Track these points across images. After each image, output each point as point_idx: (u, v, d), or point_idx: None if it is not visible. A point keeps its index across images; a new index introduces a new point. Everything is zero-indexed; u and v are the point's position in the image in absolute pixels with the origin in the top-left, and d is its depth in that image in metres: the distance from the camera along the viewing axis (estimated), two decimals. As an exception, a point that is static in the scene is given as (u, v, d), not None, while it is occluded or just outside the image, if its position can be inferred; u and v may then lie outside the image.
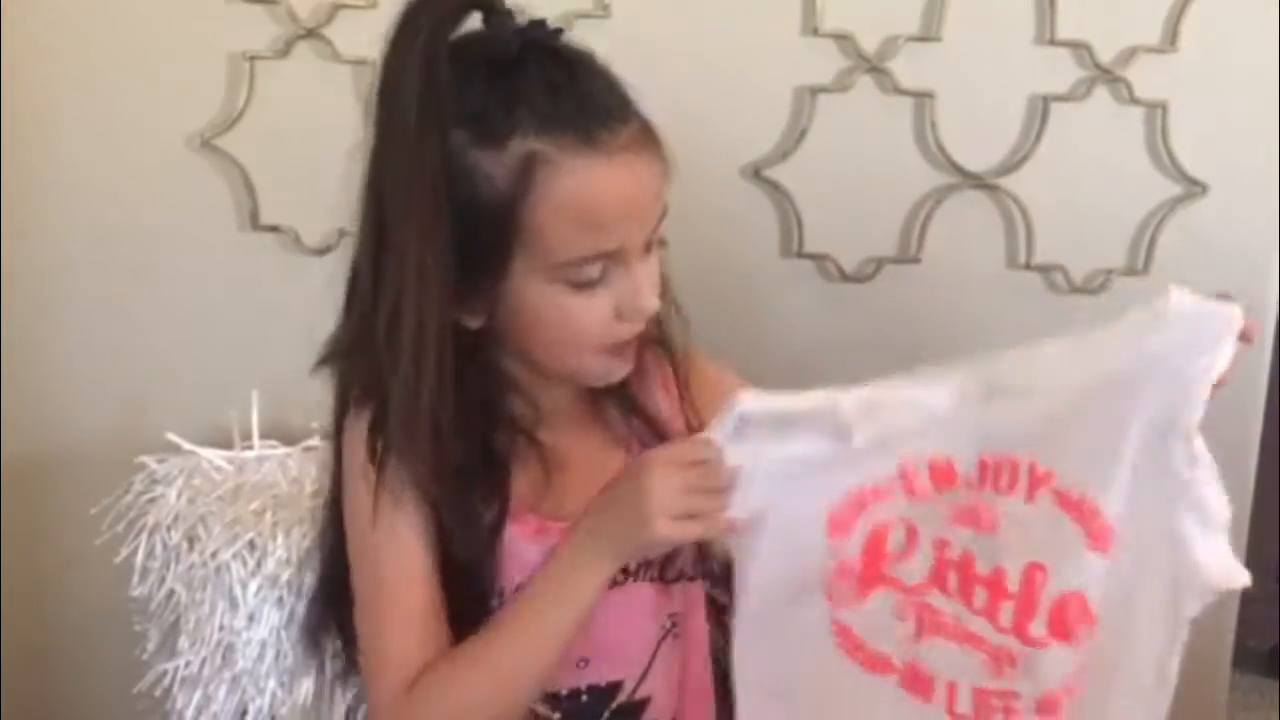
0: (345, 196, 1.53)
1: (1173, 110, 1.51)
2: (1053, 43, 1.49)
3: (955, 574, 0.88)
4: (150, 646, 1.37)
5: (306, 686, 1.29)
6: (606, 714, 0.98)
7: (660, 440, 0.97)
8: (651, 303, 0.89)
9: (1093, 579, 0.85)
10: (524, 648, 0.89)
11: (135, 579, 1.35)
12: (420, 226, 0.84)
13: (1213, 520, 0.87)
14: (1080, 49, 1.49)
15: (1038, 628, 0.86)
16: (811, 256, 1.52)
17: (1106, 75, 1.50)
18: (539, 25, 0.89)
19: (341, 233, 1.46)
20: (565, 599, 0.88)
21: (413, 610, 0.90)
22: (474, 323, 0.89)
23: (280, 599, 1.28)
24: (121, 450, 1.41)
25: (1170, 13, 1.49)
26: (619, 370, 0.93)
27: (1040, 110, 1.50)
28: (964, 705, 0.88)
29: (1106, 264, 1.55)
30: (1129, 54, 1.50)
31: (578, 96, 0.84)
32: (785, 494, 0.88)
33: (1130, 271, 1.56)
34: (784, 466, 0.87)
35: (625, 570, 0.94)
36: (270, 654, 1.29)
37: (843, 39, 1.47)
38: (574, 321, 0.88)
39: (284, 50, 1.41)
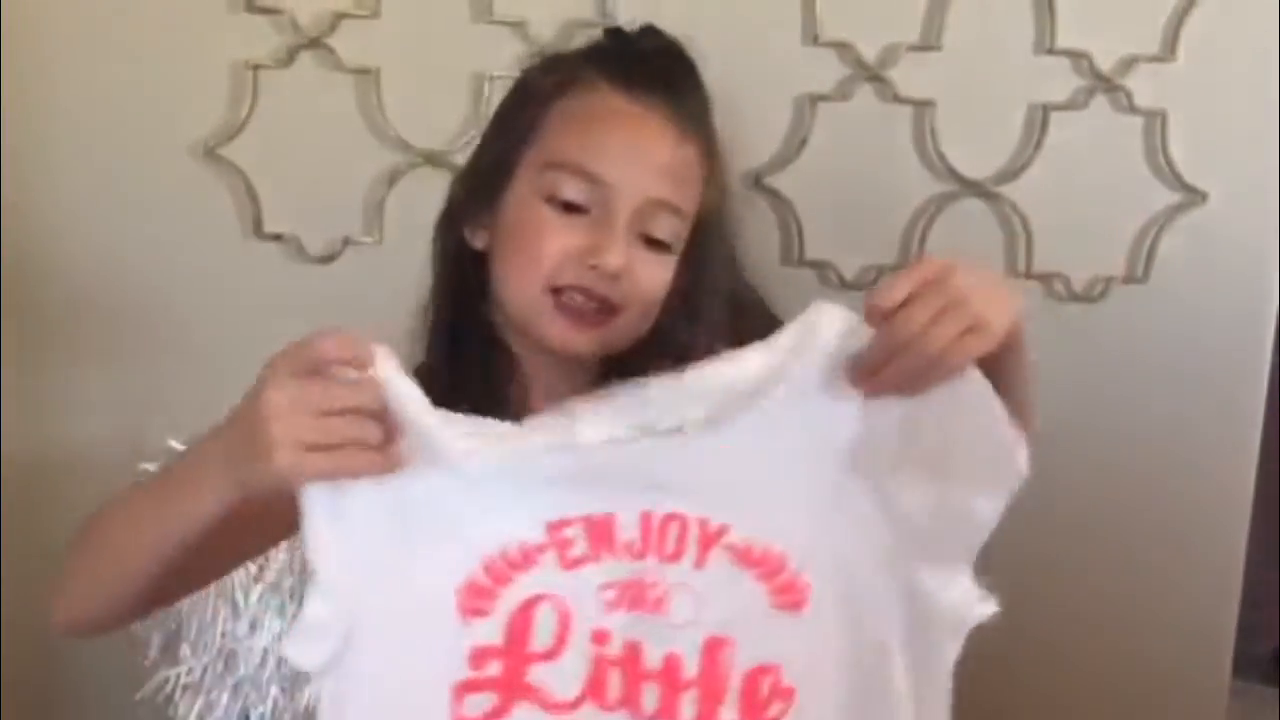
0: (348, 205, 1.55)
1: (1172, 119, 1.51)
2: (1052, 52, 1.49)
3: (618, 674, 0.73)
4: (152, 653, 1.37)
5: (308, 693, 1.29)
6: None
7: None
8: (611, 260, 0.87)
9: (787, 644, 0.73)
10: (136, 529, 0.81)
11: (138, 586, 1.35)
12: (482, 139, 0.98)
13: (944, 556, 0.76)
14: (1080, 58, 1.50)
15: (728, 713, 0.73)
16: (812, 264, 1.53)
17: (1106, 84, 1.50)
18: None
19: (344, 241, 1.47)
20: (179, 504, 0.77)
21: None
22: (479, 241, 0.94)
23: (282, 606, 1.29)
24: (124, 457, 1.41)
25: (1169, 22, 1.49)
26: (574, 338, 0.90)
27: (1040, 119, 1.50)
28: None
29: (1106, 272, 1.56)
30: (1128, 63, 1.50)
31: (643, 59, 0.94)
32: (397, 544, 0.70)
33: (1130, 280, 1.56)
34: (395, 498, 0.69)
35: None
36: (272, 661, 1.29)
37: (843, 48, 1.47)
38: (542, 240, 0.89)
39: (287, 60, 1.42)
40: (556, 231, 0.89)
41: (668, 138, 0.90)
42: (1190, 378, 1.59)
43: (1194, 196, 1.53)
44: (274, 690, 1.30)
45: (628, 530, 0.72)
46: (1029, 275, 1.54)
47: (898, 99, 1.49)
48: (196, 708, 1.31)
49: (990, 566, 1.64)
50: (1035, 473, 1.67)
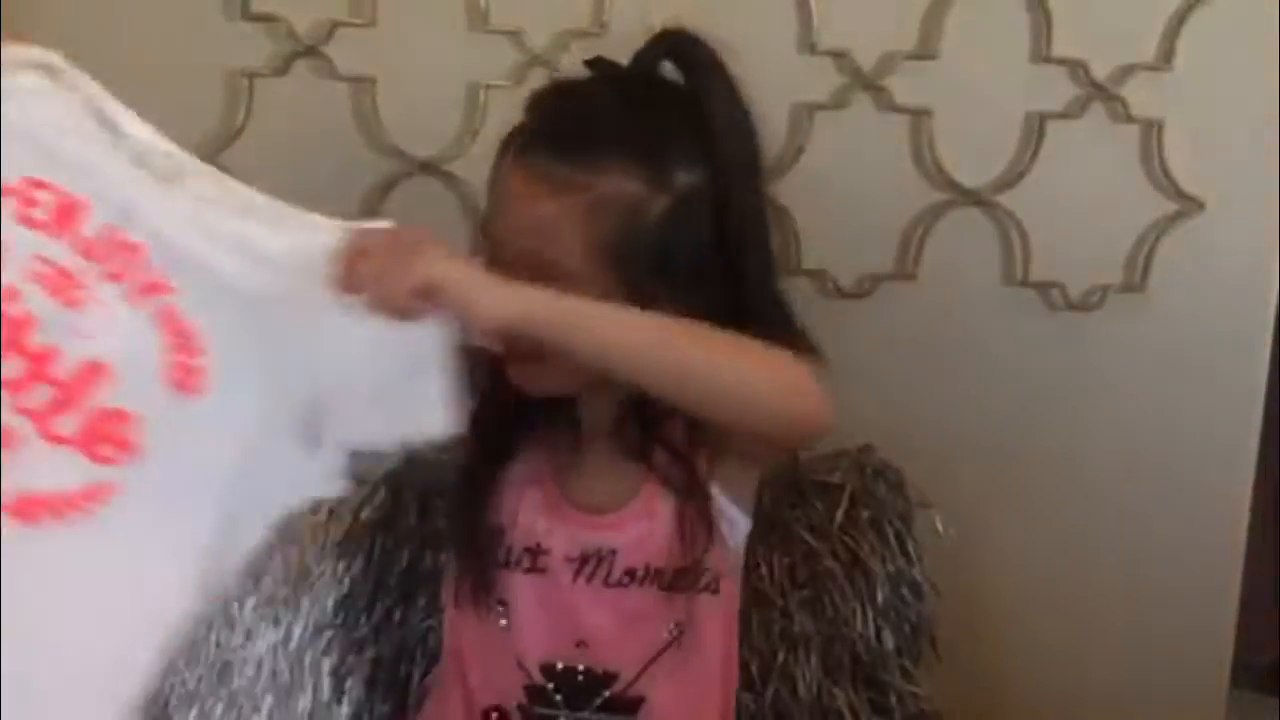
0: (344, 213, 1.53)
1: (1168, 128, 1.51)
2: (1048, 60, 1.49)
3: (4, 330, 0.77)
4: (147, 664, 1.36)
5: (303, 704, 1.28)
6: (598, 700, 1.02)
7: (679, 474, 1.02)
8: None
9: (160, 411, 0.78)
10: None
11: (132, 596, 1.35)
12: None
13: (331, 433, 0.80)
14: (1076, 67, 1.50)
15: (66, 425, 0.77)
16: (808, 273, 1.52)
17: (1102, 93, 1.50)
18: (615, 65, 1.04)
19: (339, 250, 1.47)
20: None
21: None
22: None
23: (276, 617, 1.28)
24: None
25: (1166, 31, 1.49)
26: (515, 377, 0.99)
27: (1036, 127, 1.50)
28: None
29: (1103, 280, 1.56)
30: (1125, 72, 1.50)
31: (547, 117, 1.01)
32: None
33: (1127, 288, 1.56)
34: None
35: (631, 574, 1.01)
36: (267, 672, 1.29)
37: (839, 56, 1.47)
38: None
39: (282, 68, 1.42)
40: None
41: (528, 197, 0.96)
42: (1187, 386, 1.59)
43: (1191, 205, 1.53)
44: (269, 701, 1.29)
45: (93, 227, 0.77)
46: (1026, 283, 1.54)
47: (894, 108, 1.49)
48: (191, 718, 1.31)
49: (987, 575, 1.65)
50: (1033, 481, 1.69)
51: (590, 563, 1.02)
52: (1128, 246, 1.56)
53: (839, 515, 1.33)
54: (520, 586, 1.04)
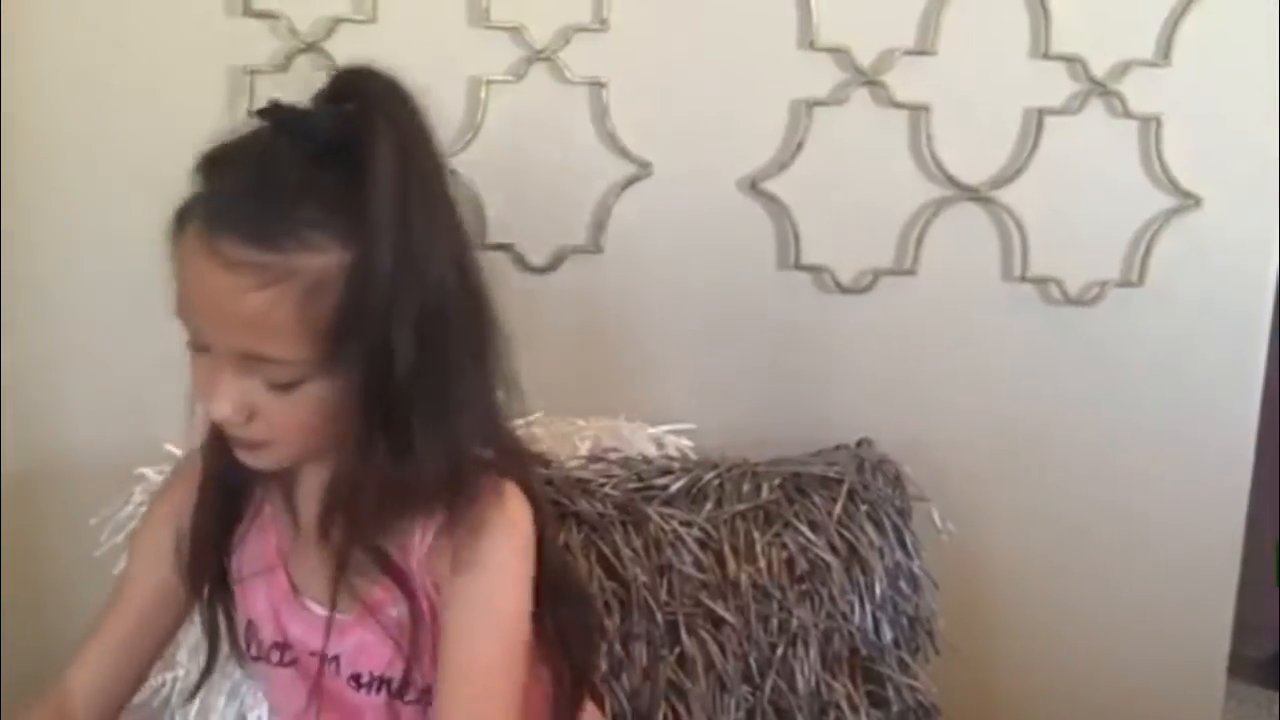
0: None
1: (1167, 123, 1.52)
2: (1047, 56, 1.50)
3: None
4: (149, 657, 1.37)
5: (305, 697, 1.29)
6: None
7: (392, 601, 0.92)
8: (216, 414, 0.86)
9: None
10: None
11: (135, 590, 1.35)
12: None
13: None
14: (1075, 63, 1.50)
15: None
16: (808, 268, 1.53)
17: (1101, 89, 1.51)
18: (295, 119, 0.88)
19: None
20: None
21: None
22: None
23: (279, 610, 1.29)
24: (121, 461, 1.42)
25: (1164, 27, 1.50)
26: (246, 458, 0.90)
27: (1035, 123, 1.51)
28: None
29: (1102, 276, 1.56)
30: (1123, 68, 1.51)
31: (231, 193, 0.86)
32: None
33: (1125, 283, 1.56)
34: None
35: (356, 679, 0.93)
36: (269, 664, 1.29)
37: (839, 53, 1.48)
38: (195, 385, 0.89)
39: (284, 64, 1.42)
40: (197, 374, 0.88)
41: (234, 291, 0.81)
42: (1186, 381, 1.60)
43: (1189, 201, 1.54)
44: (271, 694, 1.30)
45: None
46: (1025, 279, 1.55)
47: (894, 104, 1.49)
48: (192, 712, 1.31)
49: (985, 568, 1.66)
50: (1031, 476, 1.69)
51: (330, 660, 0.94)
52: (1126, 242, 1.56)
53: (837, 509, 1.34)
54: (276, 676, 0.99)
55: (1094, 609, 1.63)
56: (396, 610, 0.91)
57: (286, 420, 0.86)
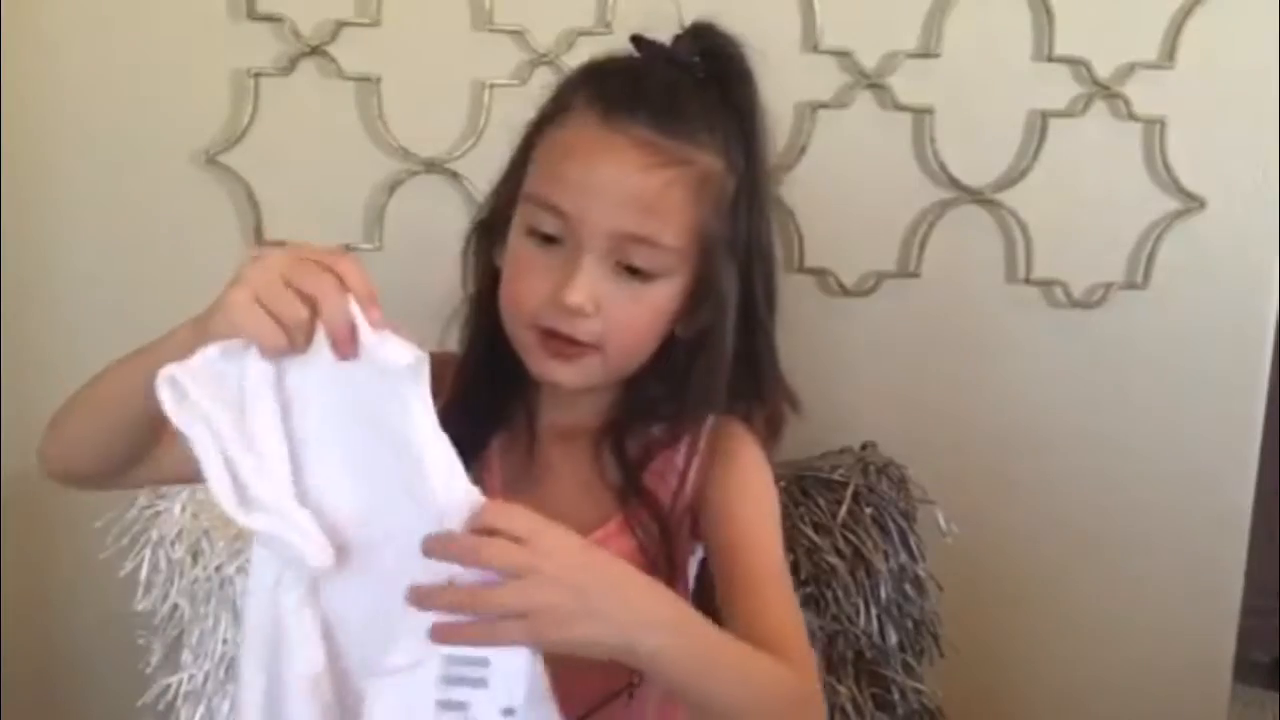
0: (349, 212, 1.55)
1: (1171, 126, 1.52)
2: (1051, 59, 1.50)
3: None
4: (154, 660, 1.37)
5: (310, 700, 1.29)
6: None
7: (651, 518, 0.93)
8: (572, 298, 0.86)
9: None
10: (117, 380, 0.84)
11: (139, 593, 1.35)
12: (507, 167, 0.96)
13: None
14: (1078, 65, 1.50)
15: None
16: (812, 271, 1.53)
17: (1105, 91, 1.51)
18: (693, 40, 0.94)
19: (345, 248, 1.48)
20: (153, 356, 0.79)
21: None
22: (499, 260, 0.94)
23: (283, 613, 1.29)
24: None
25: (1168, 29, 1.50)
26: (554, 370, 0.90)
27: (1039, 126, 1.51)
28: None
29: (1105, 278, 1.56)
30: (1127, 70, 1.50)
31: (635, 81, 0.90)
32: None
33: (1129, 285, 1.56)
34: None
35: None
36: (273, 668, 1.29)
37: (842, 55, 1.48)
38: (519, 279, 0.90)
39: (288, 67, 1.42)
40: (532, 268, 0.89)
41: (637, 166, 0.87)
42: (1190, 384, 1.59)
43: (1193, 203, 1.54)
44: (275, 697, 1.30)
45: None
46: (1028, 281, 1.55)
47: (897, 106, 1.49)
48: (198, 715, 1.31)
49: (990, 571, 1.66)
50: (1035, 479, 1.69)
51: None
52: (1130, 244, 1.56)
53: (842, 512, 1.34)
54: None
55: (1098, 612, 1.63)
56: (644, 530, 0.93)
57: (626, 317, 0.89)
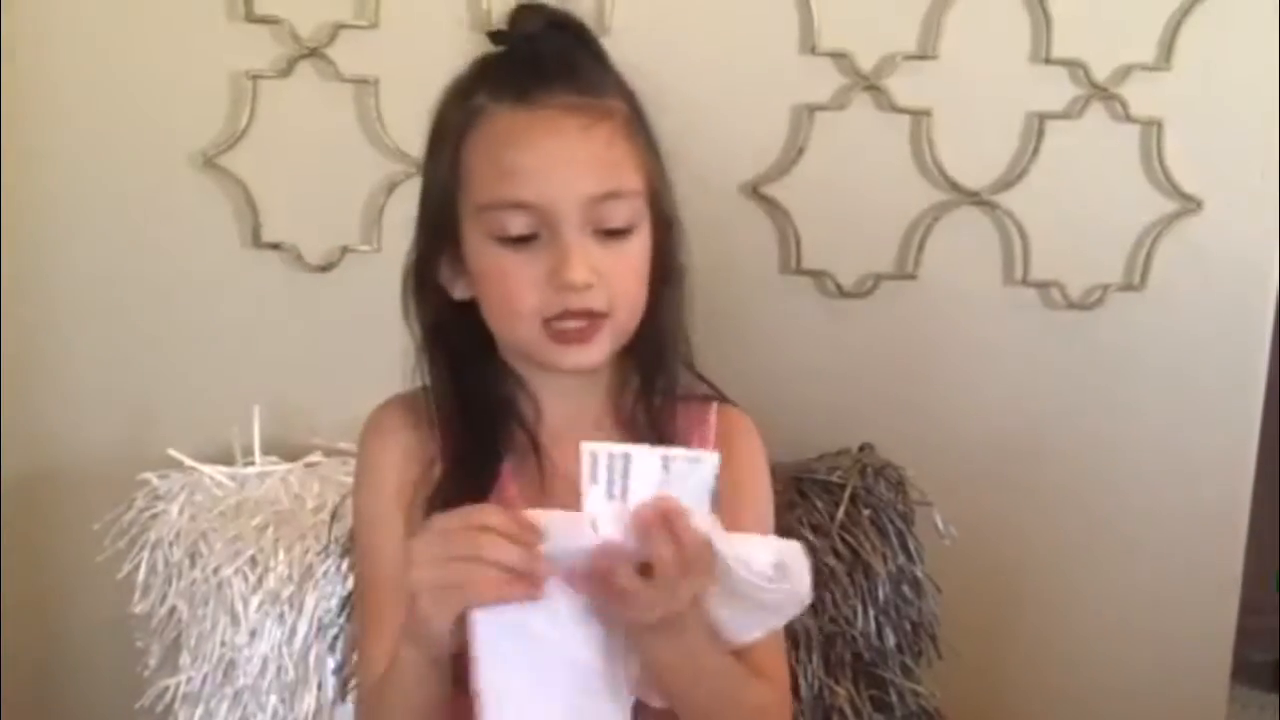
0: (346, 214, 1.54)
1: (1168, 127, 1.52)
2: (1048, 61, 1.50)
3: None
4: (152, 662, 1.37)
5: (307, 702, 1.29)
6: None
7: None
8: (575, 274, 0.87)
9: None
10: (397, 684, 0.87)
11: (137, 595, 1.35)
12: (423, 188, 0.97)
13: None
14: (1076, 67, 1.50)
15: None
16: (810, 273, 1.53)
17: (1102, 93, 1.51)
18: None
19: (343, 250, 1.48)
20: (409, 656, 0.85)
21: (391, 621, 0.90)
22: (459, 292, 0.95)
23: (281, 615, 1.29)
24: (124, 466, 1.42)
25: (1165, 31, 1.50)
26: (573, 356, 0.91)
27: (1036, 128, 1.51)
28: None
29: (1103, 279, 1.56)
30: (1124, 72, 1.51)
31: (532, 58, 0.91)
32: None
33: (1127, 287, 1.56)
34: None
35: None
36: (271, 670, 1.29)
37: (840, 57, 1.48)
38: (508, 282, 0.90)
39: (286, 69, 1.43)
40: (519, 270, 0.89)
41: (576, 123, 0.89)
42: (1187, 385, 1.60)
43: (1190, 204, 1.54)
44: (273, 699, 1.30)
45: None
46: (1026, 283, 1.55)
47: (895, 108, 1.49)
48: (196, 717, 1.31)
49: (988, 573, 1.66)
50: (1033, 480, 1.69)
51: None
52: (1128, 246, 1.56)
53: (840, 514, 1.34)
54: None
55: (1096, 613, 1.63)
56: None
57: (622, 276, 0.90)
